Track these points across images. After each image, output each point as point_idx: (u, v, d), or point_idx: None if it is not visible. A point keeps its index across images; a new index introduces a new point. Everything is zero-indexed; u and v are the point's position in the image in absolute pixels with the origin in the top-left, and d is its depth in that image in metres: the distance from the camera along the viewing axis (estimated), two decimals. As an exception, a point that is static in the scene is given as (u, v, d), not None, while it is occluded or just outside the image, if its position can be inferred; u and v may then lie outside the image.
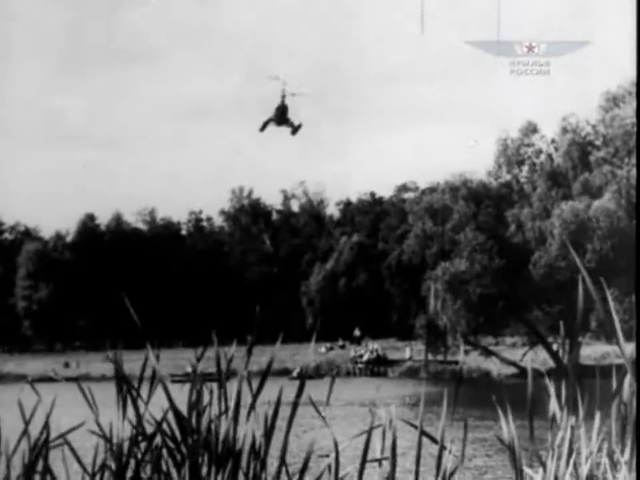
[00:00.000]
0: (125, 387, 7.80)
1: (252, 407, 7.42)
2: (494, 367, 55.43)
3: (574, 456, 6.89)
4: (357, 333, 62.78)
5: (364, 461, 7.21)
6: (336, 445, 7.31)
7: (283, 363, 54.07)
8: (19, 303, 67.20)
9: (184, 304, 67.02)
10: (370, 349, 58.84)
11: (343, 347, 61.58)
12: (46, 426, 7.69)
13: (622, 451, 6.86)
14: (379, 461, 7.25)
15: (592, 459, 6.95)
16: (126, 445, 7.61)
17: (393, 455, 7.07)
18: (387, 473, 7.22)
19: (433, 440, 7.29)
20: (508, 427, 7.26)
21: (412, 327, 59.05)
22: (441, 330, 54.59)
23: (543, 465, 6.97)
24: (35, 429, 7.80)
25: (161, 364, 8.11)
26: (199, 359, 7.76)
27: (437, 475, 7.27)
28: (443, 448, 7.25)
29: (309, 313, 67.69)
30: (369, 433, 7.26)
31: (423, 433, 7.22)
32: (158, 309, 65.40)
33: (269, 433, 7.35)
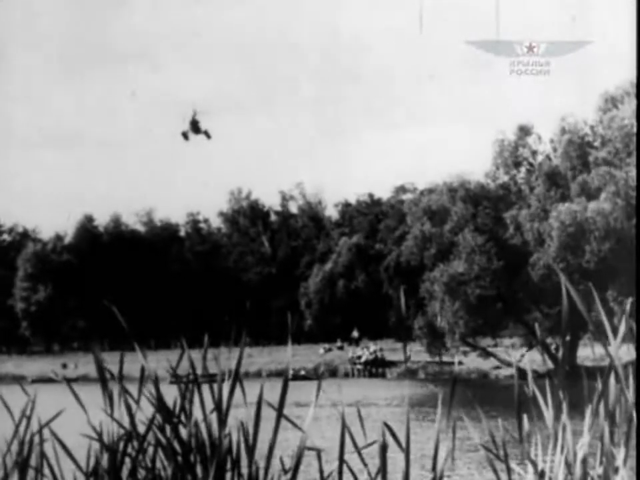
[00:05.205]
0: (109, 386, 7.86)
1: (228, 405, 7.52)
2: (492, 368, 55.44)
3: (564, 455, 6.92)
4: (355, 334, 62.79)
5: (341, 461, 7.29)
6: (302, 446, 7.42)
7: (281, 364, 54.07)
8: (18, 304, 67.20)
9: (182, 305, 67.00)
10: (371, 350, 58.80)
11: (341, 348, 61.59)
12: (25, 419, 7.70)
13: (610, 451, 6.89)
14: (363, 459, 7.31)
15: (585, 458, 6.97)
16: (120, 444, 7.64)
17: (384, 455, 7.12)
18: (373, 473, 7.28)
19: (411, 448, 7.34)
20: (484, 426, 7.33)
21: (410, 328, 59.09)
22: (440, 331, 54.58)
23: (533, 463, 7.01)
24: (34, 429, 7.83)
25: (158, 365, 8.16)
26: (187, 359, 7.82)
27: (435, 475, 7.32)
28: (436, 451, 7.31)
29: (307, 314, 67.68)
30: (342, 432, 7.34)
31: (408, 453, 7.28)
32: (156, 310, 65.47)
33: (256, 432, 7.46)
